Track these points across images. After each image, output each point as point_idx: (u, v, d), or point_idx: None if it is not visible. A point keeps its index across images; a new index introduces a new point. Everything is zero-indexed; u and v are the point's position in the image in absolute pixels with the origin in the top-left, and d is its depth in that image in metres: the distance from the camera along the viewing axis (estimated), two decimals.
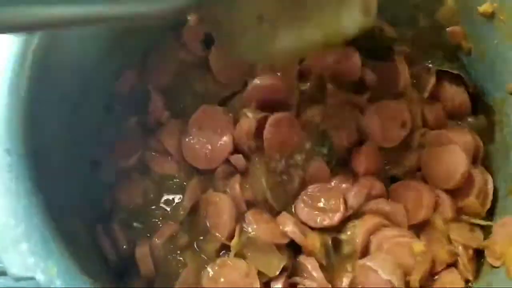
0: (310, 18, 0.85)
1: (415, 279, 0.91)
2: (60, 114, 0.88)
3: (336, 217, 0.96)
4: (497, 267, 0.91)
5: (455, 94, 1.06)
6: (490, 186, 0.99)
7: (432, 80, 1.06)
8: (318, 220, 0.97)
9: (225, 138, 1.01)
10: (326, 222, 0.96)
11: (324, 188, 1.00)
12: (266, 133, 0.98)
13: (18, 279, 0.63)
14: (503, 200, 0.98)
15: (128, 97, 1.07)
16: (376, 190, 1.00)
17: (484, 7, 0.95)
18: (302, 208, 0.98)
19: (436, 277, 0.95)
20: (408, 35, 1.11)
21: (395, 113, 1.04)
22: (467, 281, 0.95)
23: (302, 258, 0.95)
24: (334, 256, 0.96)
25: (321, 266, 0.93)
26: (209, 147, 1.01)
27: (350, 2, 0.84)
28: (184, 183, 1.00)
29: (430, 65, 1.06)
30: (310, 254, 0.95)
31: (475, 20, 0.98)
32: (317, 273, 0.92)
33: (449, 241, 0.96)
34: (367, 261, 0.92)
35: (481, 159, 1.03)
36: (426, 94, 1.06)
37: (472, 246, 0.95)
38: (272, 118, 0.99)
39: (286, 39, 0.85)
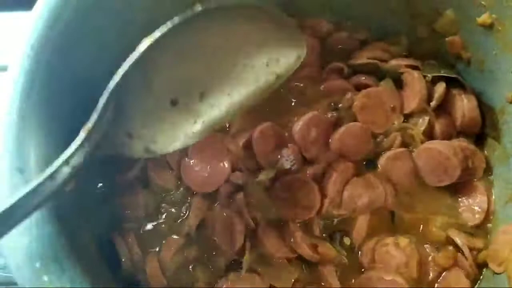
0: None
1: (411, 268, 0.95)
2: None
3: (314, 211, 1.00)
4: (499, 274, 0.92)
5: (467, 110, 1.06)
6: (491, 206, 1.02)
7: (440, 90, 1.07)
8: (298, 215, 1.00)
9: (223, 162, 1.03)
10: (306, 216, 1.00)
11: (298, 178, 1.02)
12: (255, 146, 1.02)
13: None
14: (504, 208, 1.00)
15: None
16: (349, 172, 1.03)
17: (483, 18, 0.96)
18: (281, 206, 1.01)
19: (441, 278, 0.97)
20: (405, 45, 1.13)
21: (385, 98, 1.07)
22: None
23: (320, 267, 0.98)
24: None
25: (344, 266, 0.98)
26: (208, 170, 1.02)
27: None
28: (187, 199, 1.02)
29: (427, 75, 1.07)
30: (327, 262, 0.97)
31: (474, 30, 0.99)
32: (333, 280, 0.95)
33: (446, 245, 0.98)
34: (369, 272, 0.96)
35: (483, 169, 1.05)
36: (434, 103, 1.07)
37: (476, 246, 0.97)
38: (255, 131, 1.03)
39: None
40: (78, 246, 0.73)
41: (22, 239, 0.65)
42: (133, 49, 0.76)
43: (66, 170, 0.68)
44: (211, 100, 0.88)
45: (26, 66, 0.77)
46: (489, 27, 0.96)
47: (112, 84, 0.75)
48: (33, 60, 0.78)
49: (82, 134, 0.72)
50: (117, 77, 0.75)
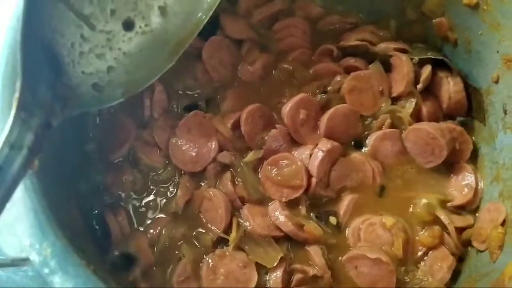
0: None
1: (397, 247, 0.96)
2: None
3: (301, 190, 1.01)
4: (483, 251, 0.93)
5: (453, 93, 1.07)
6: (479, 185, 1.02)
7: (426, 72, 1.08)
8: (285, 194, 1.01)
9: (211, 142, 1.04)
10: (293, 195, 1.01)
11: (286, 158, 1.03)
12: (243, 127, 1.04)
13: (13, 260, 0.64)
14: (489, 187, 1.01)
15: None
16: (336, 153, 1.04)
17: None
18: (269, 185, 1.02)
19: (426, 257, 0.98)
20: (394, 28, 1.14)
21: (374, 81, 1.09)
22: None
23: (306, 246, 0.99)
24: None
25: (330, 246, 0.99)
26: (196, 149, 1.04)
27: None
28: (175, 178, 1.04)
29: (415, 57, 1.08)
30: (312, 241, 0.98)
31: (460, 11, 1.00)
32: (319, 260, 0.96)
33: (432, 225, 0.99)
34: (354, 251, 0.97)
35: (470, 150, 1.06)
36: (420, 86, 1.08)
37: (462, 225, 0.98)
38: (244, 113, 1.04)
39: None
40: (64, 221, 0.74)
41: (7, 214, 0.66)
42: None
43: (12, 151, 0.62)
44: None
45: None
46: (475, 7, 0.97)
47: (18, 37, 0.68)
48: None
49: (13, 108, 0.64)
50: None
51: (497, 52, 0.96)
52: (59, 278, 0.64)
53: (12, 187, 0.62)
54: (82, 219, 0.91)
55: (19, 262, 0.65)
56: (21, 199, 0.68)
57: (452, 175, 1.05)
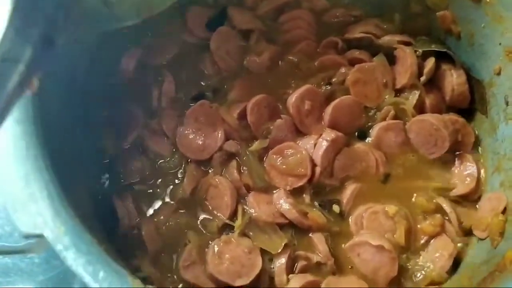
0: None
1: (400, 235, 0.98)
2: (67, 88, 0.92)
3: (306, 179, 1.02)
4: (483, 239, 0.95)
5: (456, 85, 1.08)
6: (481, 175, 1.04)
7: (429, 65, 1.09)
8: (289, 183, 1.03)
9: (217, 132, 1.06)
10: (297, 184, 1.03)
11: (291, 147, 1.05)
12: (249, 117, 1.05)
13: (27, 236, 0.66)
14: (490, 177, 1.03)
15: (133, 75, 1.11)
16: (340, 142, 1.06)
17: None
18: (274, 174, 1.04)
19: (429, 244, 1.00)
20: (398, 22, 1.16)
21: (378, 73, 1.10)
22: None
23: (310, 233, 1.00)
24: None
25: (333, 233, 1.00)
26: (203, 138, 1.06)
27: None
28: (182, 165, 1.06)
29: (418, 50, 1.10)
30: (316, 229, 1.00)
31: (463, 4, 1.02)
32: (322, 247, 0.98)
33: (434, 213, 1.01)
34: (356, 238, 0.99)
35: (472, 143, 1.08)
36: (423, 78, 1.09)
37: (463, 214, 1.00)
38: (250, 103, 1.06)
39: None
40: (76, 202, 0.76)
41: (18, 182, 0.68)
42: None
43: (4, 64, 0.53)
44: None
45: None
46: (477, 0, 0.98)
47: None
48: None
49: (7, 13, 0.53)
50: None
51: (500, 44, 0.98)
52: (72, 254, 0.66)
53: (6, 107, 0.55)
54: (92, 202, 0.93)
55: (33, 238, 0.66)
56: (35, 179, 0.70)
57: (454, 166, 1.07)
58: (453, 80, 1.08)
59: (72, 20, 0.65)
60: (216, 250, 0.96)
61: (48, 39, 0.60)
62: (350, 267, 0.98)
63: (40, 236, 0.66)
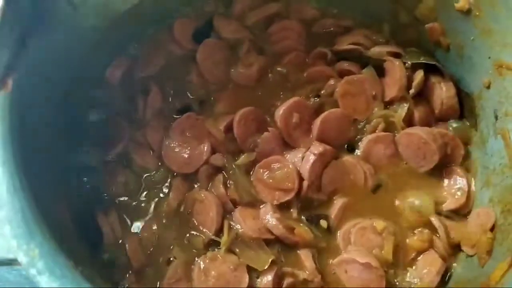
0: None
1: (387, 251, 0.96)
2: (48, 103, 0.90)
3: (293, 193, 1.01)
4: (472, 256, 0.93)
5: (446, 98, 1.07)
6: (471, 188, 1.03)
7: (418, 78, 1.08)
8: (276, 197, 1.01)
9: (204, 145, 1.05)
10: (284, 198, 1.01)
11: (278, 161, 1.04)
12: (236, 130, 1.04)
13: (1, 261, 0.65)
14: (479, 192, 1.01)
15: (118, 87, 1.09)
16: (328, 156, 1.04)
17: (461, 4, 0.97)
18: (261, 188, 1.02)
19: (417, 260, 0.98)
20: (387, 32, 1.15)
21: (367, 85, 1.09)
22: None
23: (297, 249, 0.99)
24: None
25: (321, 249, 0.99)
26: (189, 151, 1.04)
27: None
28: (167, 179, 1.04)
29: (408, 62, 1.09)
30: (303, 245, 0.99)
31: (452, 16, 1.00)
32: (309, 263, 0.97)
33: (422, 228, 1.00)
34: (344, 255, 0.97)
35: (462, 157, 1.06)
36: (412, 91, 1.08)
37: (452, 229, 0.98)
38: (236, 116, 1.04)
39: None
40: (53, 222, 0.74)
41: None
42: None
43: None
44: None
45: None
46: (467, 12, 0.97)
47: None
48: None
49: None
50: None
51: (489, 58, 0.96)
52: (46, 278, 0.64)
53: None
54: (73, 220, 0.91)
55: (6, 263, 0.65)
56: (9, 200, 0.68)
57: (444, 179, 1.05)
58: (442, 93, 1.06)
59: (45, 23, 0.69)
60: (202, 267, 0.95)
61: (22, 42, 0.64)
62: (338, 283, 0.97)
63: (14, 260, 0.65)
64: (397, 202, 1.03)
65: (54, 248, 0.69)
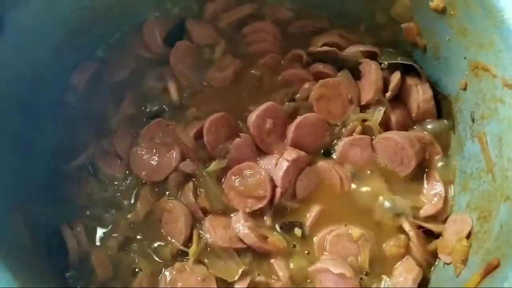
0: None
1: (363, 259, 0.94)
2: (7, 110, 0.87)
3: (266, 200, 0.98)
4: (449, 264, 0.90)
5: (422, 102, 1.04)
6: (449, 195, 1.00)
7: (394, 80, 1.05)
8: (249, 205, 0.98)
9: (173, 151, 1.02)
10: (257, 206, 0.98)
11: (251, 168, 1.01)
12: (206, 137, 1.01)
13: None
14: (457, 196, 0.98)
15: (84, 92, 1.06)
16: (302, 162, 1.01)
17: (436, 2, 0.94)
18: (232, 196, 0.99)
19: (394, 267, 0.96)
20: (363, 32, 1.12)
21: (342, 89, 1.06)
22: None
23: (270, 258, 0.96)
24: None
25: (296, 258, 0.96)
26: (157, 158, 1.01)
27: None
28: (135, 188, 1.01)
29: (384, 62, 1.06)
30: (276, 254, 0.96)
31: (428, 16, 0.97)
32: (283, 273, 0.93)
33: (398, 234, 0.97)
34: (318, 264, 0.94)
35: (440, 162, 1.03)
36: (389, 94, 1.05)
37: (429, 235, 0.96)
38: (207, 122, 1.01)
39: None
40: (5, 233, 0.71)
41: None
42: None
43: None
44: None
45: None
46: (442, 12, 0.94)
47: None
48: None
49: None
50: None
51: (465, 58, 0.93)
52: None
53: None
54: (30, 232, 0.87)
55: None
56: None
57: (422, 184, 1.02)
58: (419, 96, 1.03)
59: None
60: (168, 279, 0.92)
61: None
62: None
63: None
64: (374, 208, 1.00)
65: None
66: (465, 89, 0.95)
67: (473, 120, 0.94)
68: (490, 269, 0.71)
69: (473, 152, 0.94)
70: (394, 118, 1.05)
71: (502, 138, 0.85)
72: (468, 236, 0.88)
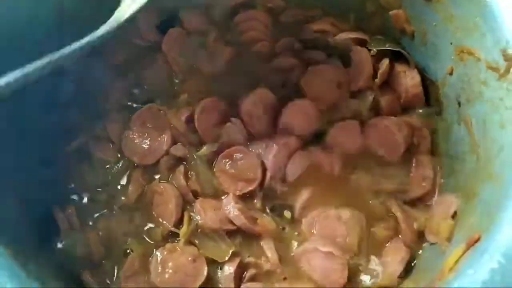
0: None
1: (352, 240, 0.96)
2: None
3: (256, 183, 1.00)
4: (435, 244, 0.92)
5: (410, 87, 1.05)
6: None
7: (383, 67, 1.06)
8: (239, 187, 1.00)
9: (164, 135, 1.04)
10: (247, 188, 1.00)
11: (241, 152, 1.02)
12: (197, 122, 1.03)
13: None
14: (446, 180, 1.00)
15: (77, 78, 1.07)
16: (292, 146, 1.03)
17: None
18: (223, 179, 1.01)
19: (382, 249, 0.97)
20: (353, 21, 1.13)
21: (332, 75, 1.08)
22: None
23: (260, 240, 0.97)
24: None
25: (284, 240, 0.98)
26: (149, 142, 1.03)
27: None
28: (127, 172, 1.03)
29: (373, 49, 1.07)
30: (266, 235, 0.97)
31: (415, 3, 0.99)
32: (271, 254, 0.95)
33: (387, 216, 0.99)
34: (306, 244, 0.96)
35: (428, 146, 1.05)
36: (377, 81, 1.07)
37: (416, 217, 0.98)
38: (198, 106, 1.03)
39: None
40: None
41: None
42: None
43: None
44: None
45: None
46: None
47: None
48: None
49: None
50: None
51: (451, 43, 0.95)
52: None
53: None
54: (24, 213, 0.89)
55: None
56: None
57: (411, 168, 1.03)
58: (407, 82, 1.05)
59: None
60: (159, 259, 0.93)
61: None
62: (301, 273, 0.95)
63: None
64: (363, 191, 1.02)
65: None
66: (451, 74, 0.97)
67: (459, 104, 0.96)
68: (471, 242, 0.73)
69: (460, 135, 0.96)
70: (383, 103, 1.06)
71: (486, 120, 0.87)
72: (454, 216, 0.90)
